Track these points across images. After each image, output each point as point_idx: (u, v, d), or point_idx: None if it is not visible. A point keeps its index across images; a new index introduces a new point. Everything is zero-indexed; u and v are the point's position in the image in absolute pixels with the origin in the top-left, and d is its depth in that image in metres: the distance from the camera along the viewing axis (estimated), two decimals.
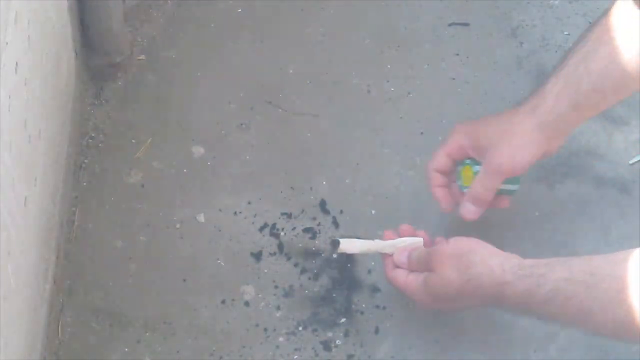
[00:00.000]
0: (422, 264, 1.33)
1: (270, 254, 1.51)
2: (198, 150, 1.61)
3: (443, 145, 1.43)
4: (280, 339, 1.43)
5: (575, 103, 1.33)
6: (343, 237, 1.51)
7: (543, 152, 1.38)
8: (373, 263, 1.50)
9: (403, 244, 1.39)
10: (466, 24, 1.77)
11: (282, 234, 1.53)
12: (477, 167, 1.40)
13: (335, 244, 1.41)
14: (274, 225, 1.54)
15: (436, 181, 1.44)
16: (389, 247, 1.39)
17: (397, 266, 1.37)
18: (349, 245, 1.41)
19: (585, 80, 1.32)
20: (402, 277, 1.35)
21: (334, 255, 1.50)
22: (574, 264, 1.21)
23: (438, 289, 1.30)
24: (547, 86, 1.34)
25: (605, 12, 1.34)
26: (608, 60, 1.31)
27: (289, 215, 1.55)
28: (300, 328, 1.44)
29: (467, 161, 1.42)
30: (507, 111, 1.39)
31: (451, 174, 1.45)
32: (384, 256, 1.40)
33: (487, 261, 1.26)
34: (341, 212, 1.55)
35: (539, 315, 1.25)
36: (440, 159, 1.43)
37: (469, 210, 1.41)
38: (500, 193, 1.42)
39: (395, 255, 1.38)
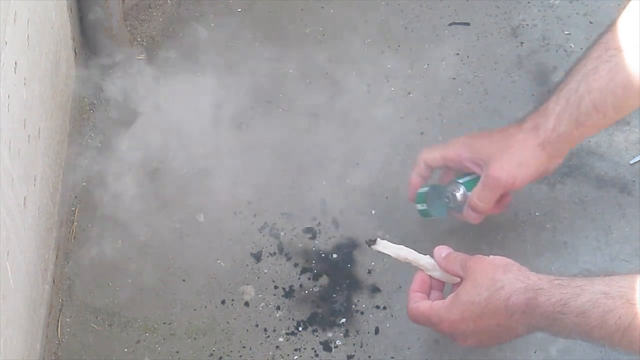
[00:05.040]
0: (456, 265, 1.31)
1: (270, 254, 1.51)
2: (198, 151, 1.61)
3: (443, 147, 1.44)
4: (280, 339, 1.43)
5: (576, 122, 1.34)
6: (343, 236, 1.51)
7: (543, 171, 1.39)
8: (373, 263, 1.50)
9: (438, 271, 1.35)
10: (466, 24, 1.77)
11: (282, 234, 1.53)
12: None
13: (371, 242, 1.38)
14: (274, 225, 1.53)
15: (420, 171, 1.45)
16: (425, 262, 1.35)
17: (421, 300, 1.34)
18: (386, 246, 1.38)
19: (587, 98, 1.33)
20: (426, 303, 1.32)
21: (334, 256, 1.50)
22: (614, 279, 1.20)
23: (468, 298, 1.26)
24: (549, 105, 1.35)
25: (606, 30, 1.35)
26: (608, 78, 1.32)
27: (289, 215, 1.54)
28: (300, 328, 1.44)
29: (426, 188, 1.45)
30: (509, 127, 1.40)
31: (429, 175, 1.47)
32: (410, 289, 1.35)
33: (523, 271, 1.26)
34: (341, 212, 1.55)
35: (570, 328, 1.21)
36: (435, 157, 1.44)
37: (470, 216, 1.42)
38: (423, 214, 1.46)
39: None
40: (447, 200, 1.43)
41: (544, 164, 1.38)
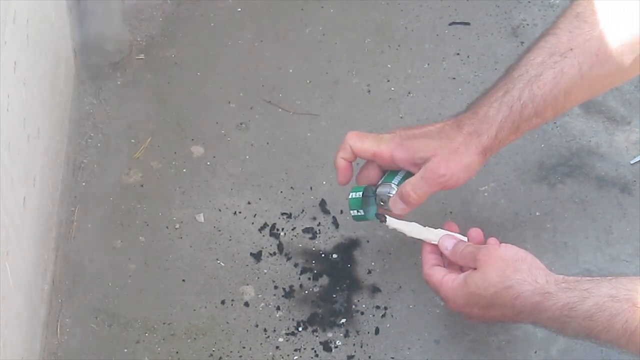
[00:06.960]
0: (466, 257, 1.31)
1: (270, 254, 1.51)
2: (198, 150, 1.61)
3: (374, 141, 1.38)
4: (280, 339, 1.43)
5: (517, 128, 1.34)
6: (343, 236, 1.51)
7: (474, 174, 1.38)
8: (373, 263, 1.49)
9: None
10: (467, 23, 1.77)
11: (282, 234, 1.52)
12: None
13: (382, 217, 1.38)
14: (274, 225, 1.53)
15: (347, 155, 1.41)
16: (435, 237, 1.37)
17: (436, 264, 1.35)
18: (397, 222, 1.38)
19: (530, 106, 1.33)
20: (439, 275, 1.33)
21: (334, 256, 1.50)
22: (621, 281, 1.20)
23: (476, 290, 1.27)
24: (490, 112, 1.33)
25: (546, 33, 1.35)
26: (552, 85, 1.32)
27: (289, 215, 1.54)
28: (300, 328, 1.44)
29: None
30: (444, 126, 1.36)
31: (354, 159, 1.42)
32: (424, 250, 1.37)
33: (532, 270, 1.26)
34: (341, 212, 1.54)
35: (577, 331, 1.23)
36: (364, 150, 1.39)
37: (397, 207, 1.38)
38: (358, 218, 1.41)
39: (441, 240, 1.36)
40: (382, 203, 1.39)
41: (480, 168, 1.37)
